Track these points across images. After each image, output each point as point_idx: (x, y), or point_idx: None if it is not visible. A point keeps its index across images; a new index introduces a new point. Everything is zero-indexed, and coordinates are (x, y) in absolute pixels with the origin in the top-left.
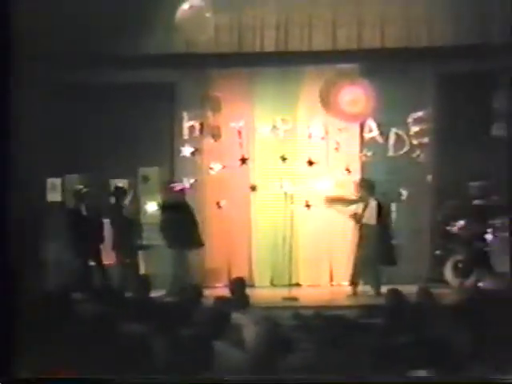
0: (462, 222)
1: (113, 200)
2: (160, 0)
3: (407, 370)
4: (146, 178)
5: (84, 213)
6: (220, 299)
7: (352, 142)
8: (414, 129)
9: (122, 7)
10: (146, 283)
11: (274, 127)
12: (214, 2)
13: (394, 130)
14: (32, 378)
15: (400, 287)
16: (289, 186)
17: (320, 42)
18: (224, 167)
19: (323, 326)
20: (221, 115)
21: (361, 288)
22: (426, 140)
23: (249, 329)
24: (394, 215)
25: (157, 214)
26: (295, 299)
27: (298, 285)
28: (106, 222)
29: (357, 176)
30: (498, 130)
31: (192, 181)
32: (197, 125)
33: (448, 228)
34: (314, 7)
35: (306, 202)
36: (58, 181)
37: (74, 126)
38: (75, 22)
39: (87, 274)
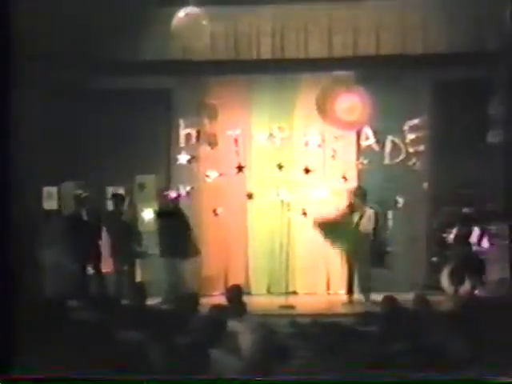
0: (456, 229)
1: (110, 207)
2: (156, 7)
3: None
4: (142, 186)
5: (84, 218)
6: (217, 307)
7: (348, 150)
8: (410, 136)
9: (119, 14)
10: (142, 291)
11: (271, 135)
12: (211, 10)
13: (390, 138)
14: (32, 378)
15: (396, 295)
16: (285, 193)
17: (316, 50)
18: (220, 175)
19: (320, 333)
20: (217, 123)
21: (357, 296)
22: (422, 148)
23: (245, 336)
24: (390, 223)
25: (153, 222)
26: (292, 307)
27: (294, 293)
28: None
29: (353, 184)
30: (493, 137)
31: (188, 188)
32: (193, 132)
33: (444, 235)
34: (310, 14)
35: (303, 209)
36: (54, 189)
37: (70, 133)
38: (71, 28)
39: (85, 281)
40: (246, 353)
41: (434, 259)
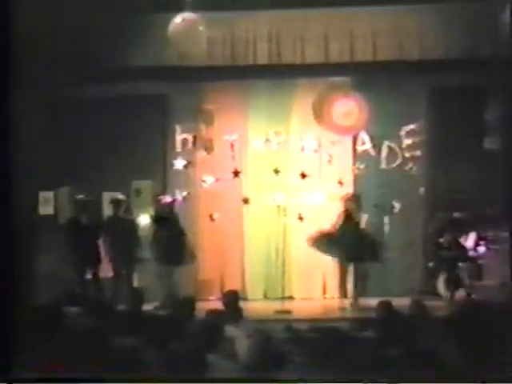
0: (452, 234)
1: (109, 212)
2: (153, 13)
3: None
4: (138, 191)
5: (85, 222)
6: (213, 312)
7: (345, 155)
8: (407, 142)
9: (115, 20)
10: (139, 296)
11: (267, 140)
12: (207, 15)
13: (386, 143)
14: (32, 378)
15: (393, 300)
16: (282, 198)
17: (313, 55)
18: (217, 180)
19: (316, 338)
20: (214, 128)
21: (351, 300)
22: (418, 153)
23: (242, 342)
24: (386, 228)
25: (149, 227)
26: (288, 312)
27: (291, 298)
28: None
29: (349, 189)
30: (489, 143)
31: (185, 193)
32: (190, 137)
33: (440, 240)
34: (307, 20)
35: (299, 214)
36: (50, 194)
37: (65, 138)
38: (66, 33)
39: (85, 286)
40: (242, 358)
41: (431, 264)
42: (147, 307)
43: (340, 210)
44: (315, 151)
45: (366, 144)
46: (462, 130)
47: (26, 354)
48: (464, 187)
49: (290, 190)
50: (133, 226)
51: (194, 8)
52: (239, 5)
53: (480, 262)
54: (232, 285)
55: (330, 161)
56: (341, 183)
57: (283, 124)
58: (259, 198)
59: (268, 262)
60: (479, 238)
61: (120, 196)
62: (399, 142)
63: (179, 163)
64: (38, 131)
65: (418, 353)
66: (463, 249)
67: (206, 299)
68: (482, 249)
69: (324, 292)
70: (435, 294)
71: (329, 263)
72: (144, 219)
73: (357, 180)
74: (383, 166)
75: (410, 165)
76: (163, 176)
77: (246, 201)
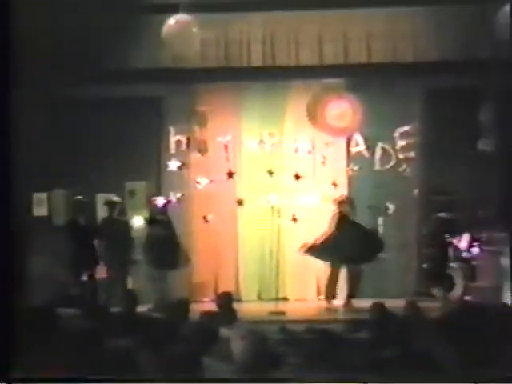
0: (446, 236)
1: (103, 213)
2: (146, 14)
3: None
4: (132, 193)
5: (82, 223)
6: (207, 313)
7: (339, 157)
8: (401, 143)
9: (109, 22)
10: (133, 297)
11: (261, 141)
12: (201, 17)
13: (380, 145)
14: (32, 378)
15: (387, 301)
16: (276, 199)
17: (307, 57)
18: (211, 181)
19: (310, 340)
20: (208, 129)
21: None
22: (412, 154)
23: (236, 343)
24: (380, 229)
25: (143, 229)
26: (282, 313)
27: (285, 299)
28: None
29: (343, 190)
30: (484, 145)
31: (179, 195)
32: (184, 139)
33: (435, 242)
34: (301, 22)
35: (293, 215)
36: (43, 195)
37: (59, 140)
38: (61, 36)
39: (82, 287)
40: (237, 359)
41: (425, 265)
42: (141, 309)
43: (334, 211)
44: (309, 152)
45: (359, 145)
46: (456, 131)
47: (24, 354)
48: (458, 189)
49: (283, 192)
50: (127, 227)
51: (188, 9)
52: (233, 6)
53: (474, 263)
54: (226, 286)
55: (323, 162)
56: (335, 185)
57: (277, 125)
58: (253, 199)
59: (262, 263)
60: (473, 240)
61: (114, 197)
62: (393, 143)
63: (173, 165)
64: (35, 131)
65: (412, 354)
66: (457, 250)
67: (200, 301)
68: (475, 250)
69: (318, 293)
70: (429, 295)
71: (323, 265)
72: (138, 221)
73: (351, 181)
74: (377, 167)
75: (404, 166)
76: (157, 177)
77: (240, 202)
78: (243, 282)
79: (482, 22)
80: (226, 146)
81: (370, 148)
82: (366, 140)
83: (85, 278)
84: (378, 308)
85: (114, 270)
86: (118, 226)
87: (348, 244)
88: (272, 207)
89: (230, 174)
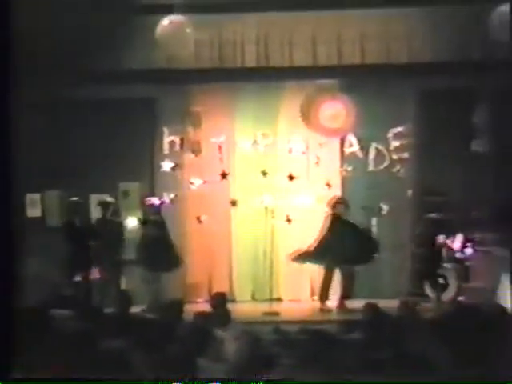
0: (439, 236)
1: (96, 214)
2: (140, 15)
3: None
4: (126, 193)
5: (77, 224)
6: (201, 314)
7: (332, 157)
8: (394, 144)
9: (102, 22)
10: (127, 298)
11: (255, 142)
12: (195, 17)
13: (374, 145)
14: (32, 378)
15: (381, 301)
16: (269, 200)
17: (300, 58)
18: (205, 182)
19: (304, 340)
20: (201, 130)
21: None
22: (406, 155)
23: (230, 343)
24: (374, 230)
25: (136, 230)
26: (276, 314)
27: (279, 299)
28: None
29: (337, 191)
30: (477, 145)
31: (172, 196)
32: (177, 140)
33: (428, 242)
34: (295, 22)
35: (287, 216)
36: (37, 196)
37: (53, 141)
38: (56, 37)
39: (76, 288)
40: (231, 359)
41: (419, 266)
42: (135, 310)
43: (327, 213)
44: (303, 153)
45: (353, 146)
46: (450, 132)
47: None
48: (452, 189)
49: (277, 192)
50: (121, 228)
51: (182, 10)
52: (227, 7)
53: (467, 263)
54: (220, 287)
55: (317, 163)
56: (328, 185)
57: (271, 126)
58: (247, 199)
59: (256, 263)
60: (466, 240)
61: (108, 198)
62: (387, 144)
63: (167, 165)
64: (31, 132)
65: (405, 354)
66: (451, 250)
67: (194, 301)
68: (469, 250)
69: (312, 294)
70: (423, 295)
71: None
72: (132, 221)
73: (344, 182)
74: (371, 168)
75: (398, 167)
76: (151, 178)
77: (233, 203)
78: (237, 283)
79: (476, 23)
80: (219, 147)
81: (364, 149)
82: (359, 141)
83: (78, 278)
84: (371, 308)
85: (107, 271)
86: (111, 227)
87: (342, 245)
88: (266, 208)
89: (224, 175)
